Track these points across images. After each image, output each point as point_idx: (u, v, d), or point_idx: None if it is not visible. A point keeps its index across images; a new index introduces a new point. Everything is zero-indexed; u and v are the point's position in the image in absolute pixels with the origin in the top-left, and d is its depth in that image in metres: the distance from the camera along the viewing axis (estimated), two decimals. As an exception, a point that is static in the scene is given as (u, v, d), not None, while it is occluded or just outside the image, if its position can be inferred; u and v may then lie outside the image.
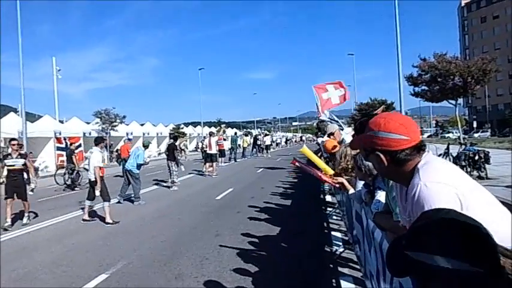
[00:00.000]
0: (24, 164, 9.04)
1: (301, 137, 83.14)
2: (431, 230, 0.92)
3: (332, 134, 6.18)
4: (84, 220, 8.79)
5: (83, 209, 9.35)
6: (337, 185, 3.88)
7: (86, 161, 10.61)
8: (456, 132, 44.23)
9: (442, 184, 1.44)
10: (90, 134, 27.84)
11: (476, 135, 53.08)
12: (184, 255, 6.06)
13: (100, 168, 8.82)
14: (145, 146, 12.36)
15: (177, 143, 15.36)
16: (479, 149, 12.75)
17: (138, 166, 11.23)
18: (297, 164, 4.24)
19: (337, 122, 10.72)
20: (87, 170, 15.46)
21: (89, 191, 8.99)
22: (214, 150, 18.22)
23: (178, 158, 14.67)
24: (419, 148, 1.59)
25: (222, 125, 24.07)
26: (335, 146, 5.23)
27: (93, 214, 9.21)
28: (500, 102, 74.81)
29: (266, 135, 40.27)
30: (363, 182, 3.43)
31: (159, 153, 36.16)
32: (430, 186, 1.44)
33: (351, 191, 3.76)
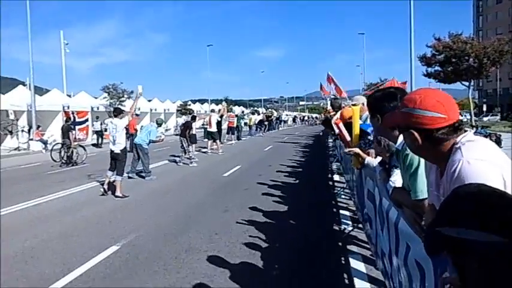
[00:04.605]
0: None
1: (303, 117, 80.00)
2: (462, 204, 0.90)
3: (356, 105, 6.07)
4: (103, 189, 8.85)
5: (100, 182, 9.28)
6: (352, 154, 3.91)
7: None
8: (466, 115, 43.76)
9: (486, 162, 1.38)
10: (98, 108, 27.89)
11: (485, 118, 52.47)
12: (194, 230, 6.12)
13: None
14: (159, 124, 12.48)
15: (194, 123, 15.44)
16: (491, 131, 12.62)
17: (149, 142, 11.25)
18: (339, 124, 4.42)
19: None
20: (82, 147, 15.66)
21: (111, 163, 9.03)
22: (214, 128, 18.08)
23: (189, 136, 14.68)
24: (457, 128, 1.52)
25: (223, 103, 23.97)
26: (351, 117, 5.18)
27: (109, 187, 9.15)
28: (511, 85, 73.54)
29: (252, 113, 39.75)
30: (377, 160, 3.39)
31: (166, 130, 36.29)
32: (474, 163, 1.38)
33: (367, 159, 3.72)
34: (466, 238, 0.84)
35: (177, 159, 14.60)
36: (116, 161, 8.86)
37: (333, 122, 6.14)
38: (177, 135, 16.19)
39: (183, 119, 17.87)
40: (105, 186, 8.90)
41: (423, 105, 1.51)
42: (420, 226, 2.16)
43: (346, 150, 3.97)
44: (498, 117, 58.66)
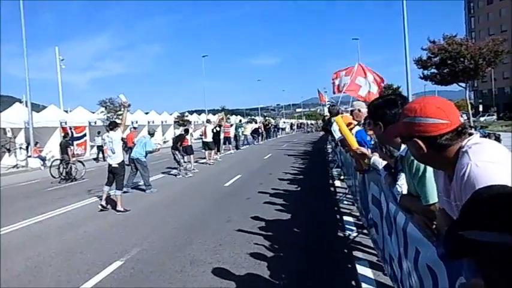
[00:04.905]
0: None
1: (300, 124, 77.97)
2: (485, 207, 0.88)
3: (354, 111, 6.11)
4: (101, 206, 8.67)
5: (99, 197, 9.16)
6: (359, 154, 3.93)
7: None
8: (463, 116, 43.80)
9: (494, 164, 1.36)
10: (95, 123, 27.86)
11: (482, 119, 52.63)
12: (198, 242, 6.07)
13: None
14: (151, 134, 12.44)
15: (188, 135, 15.47)
16: (490, 131, 12.66)
17: (147, 154, 11.22)
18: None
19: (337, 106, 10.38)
20: (81, 162, 15.60)
21: (108, 177, 8.96)
22: (209, 138, 18.18)
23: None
24: (461, 132, 1.51)
25: (221, 113, 24.15)
26: (350, 123, 5.20)
27: (108, 201, 9.11)
28: (506, 85, 73.83)
29: (249, 122, 40.23)
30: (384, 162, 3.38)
31: (164, 142, 36.29)
32: (482, 165, 1.36)
33: (373, 158, 3.72)
34: (490, 241, 0.83)
35: (175, 171, 14.53)
36: (114, 175, 8.81)
37: (335, 125, 6.17)
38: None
39: (180, 131, 17.93)
40: (103, 202, 8.76)
41: (424, 113, 1.51)
42: (431, 230, 2.14)
43: (354, 147, 3.97)
44: (494, 117, 58.89)
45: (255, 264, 4.94)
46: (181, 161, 14.27)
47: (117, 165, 8.81)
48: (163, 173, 15.10)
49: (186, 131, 15.97)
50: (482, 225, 0.85)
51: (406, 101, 2.50)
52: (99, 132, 24.77)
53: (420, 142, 1.53)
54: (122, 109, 9.55)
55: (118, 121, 9.84)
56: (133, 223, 7.61)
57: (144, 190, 10.98)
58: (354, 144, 4.03)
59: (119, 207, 8.51)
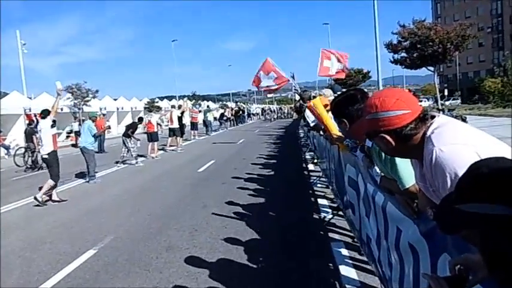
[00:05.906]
0: None
1: (262, 109, 72.84)
2: (483, 180, 0.87)
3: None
4: (54, 201, 8.30)
5: (58, 188, 8.79)
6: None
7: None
8: (425, 101, 44.93)
9: (458, 145, 1.38)
10: (62, 110, 26.89)
11: (447, 103, 54.22)
12: (173, 228, 5.99)
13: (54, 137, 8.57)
14: (92, 119, 11.92)
15: (155, 119, 15.27)
16: (456, 114, 13.06)
17: (95, 138, 10.88)
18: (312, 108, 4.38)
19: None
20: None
21: (49, 171, 8.51)
22: (176, 124, 17.92)
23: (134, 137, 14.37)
24: (424, 118, 1.52)
25: (184, 98, 23.90)
26: (326, 105, 5.20)
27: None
28: (470, 70, 76.27)
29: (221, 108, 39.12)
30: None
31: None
32: (446, 149, 1.38)
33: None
34: (492, 214, 0.82)
35: (141, 159, 14.09)
36: (48, 167, 8.39)
37: (308, 110, 6.17)
38: (145, 133, 16.04)
39: (150, 116, 17.59)
40: (54, 197, 8.37)
41: (385, 107, 1.51)
42: (412, 209, 2.16)
43: (333, 133, 3.98)
44: (459, 101, 60.92)
45: (232, 248, 4.93)
46: (132, 149, 13.86)
47: (47, 156, 8.31)
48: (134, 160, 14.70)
49: (140, 119, 15.95)
50: (482, 198, 0.84)
51: (366, 94, 2.51)
52: (75, 118, 24.13)
53: (387, 136, 1.53)
54: (56, 97, 9.18)
55: (88, 107, 9.52)
56: (106, 211, 7.43)
57: (88, 181, 10.58)
58: (333, 129, 4.00)
59: (54, 197, 8.28)
